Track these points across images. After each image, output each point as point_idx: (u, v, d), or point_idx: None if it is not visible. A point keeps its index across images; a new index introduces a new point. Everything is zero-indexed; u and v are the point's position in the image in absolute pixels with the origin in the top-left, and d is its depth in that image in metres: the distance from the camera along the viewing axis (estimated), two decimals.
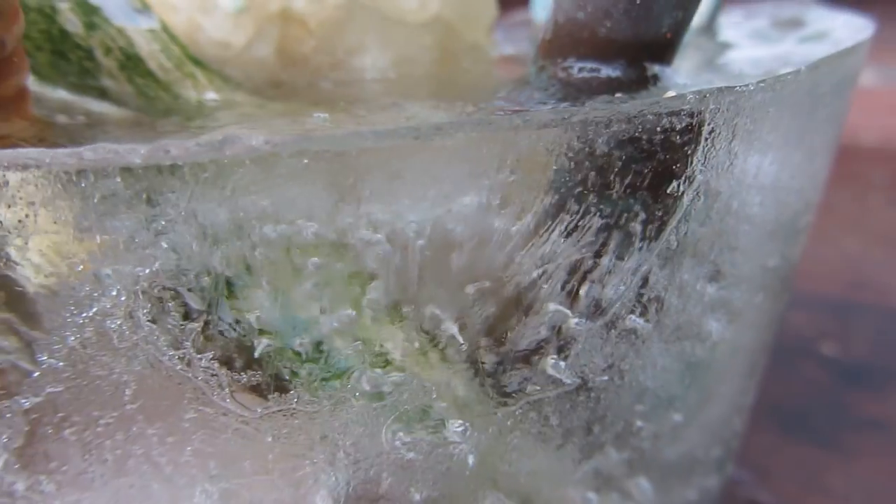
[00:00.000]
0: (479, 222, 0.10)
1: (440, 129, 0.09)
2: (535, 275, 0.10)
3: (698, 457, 0.14)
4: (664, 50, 0.11)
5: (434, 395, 0.10)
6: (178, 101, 0.12)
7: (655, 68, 0.11)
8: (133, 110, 0.11)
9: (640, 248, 0.10)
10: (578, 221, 0.10)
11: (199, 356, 0.09)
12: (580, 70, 0.11)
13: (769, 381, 0.27)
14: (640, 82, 0.11)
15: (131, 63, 0.12)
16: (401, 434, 0.10)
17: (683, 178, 0.10)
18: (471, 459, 0.11)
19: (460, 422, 0.11)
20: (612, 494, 0.13)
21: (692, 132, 0.10)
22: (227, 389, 0.10)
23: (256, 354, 0.09)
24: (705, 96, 0.10)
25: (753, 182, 0.11)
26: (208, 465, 0.10)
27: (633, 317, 0.11)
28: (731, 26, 0.18)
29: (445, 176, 0.09)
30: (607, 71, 0.11)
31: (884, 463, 0.24)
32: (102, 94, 0.11)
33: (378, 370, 0.10)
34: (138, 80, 0.12)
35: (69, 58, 0.11)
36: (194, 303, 0.09)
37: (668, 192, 0.10)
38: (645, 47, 0.11)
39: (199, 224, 0.09)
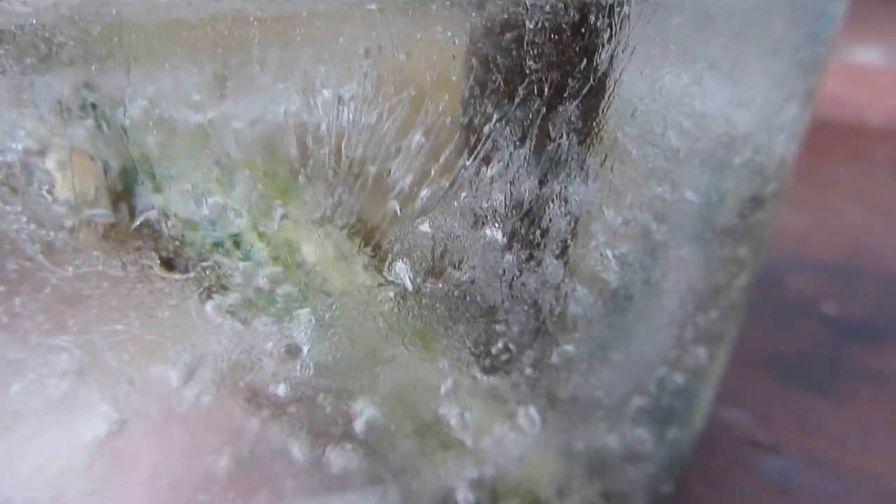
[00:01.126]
0: (342, 114, 0.10)
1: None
2: (413, 175, 0.10)
3: (604, 400, 0.14)
4: None
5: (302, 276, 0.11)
6: None
7: None
8: None
9: (525, 156, 0.10)
10: (464, 119, 0.10)
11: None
12: None
13: (769, 334, 0.28)
14: None
15: None
16: (265, 320, 0.11)
17: (589, 77, 0.10)
18: (338, 359, 0.11)
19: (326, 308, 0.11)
20: (493, 417, 0.13)
21: (600, 29, 0.09)
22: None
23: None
24: None
25: (673, 98, 0.11)
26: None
27: (499, 226, 0.11)
28: None
29: (311, 61, 0.09)
30: None
31: (878, 410, 0.25)
32: None
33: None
34: None
35: None
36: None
37: (568, 93, 0.10)
38: None
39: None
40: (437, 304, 0.11)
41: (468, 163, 0.10)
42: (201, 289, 0.11)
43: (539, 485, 0.14)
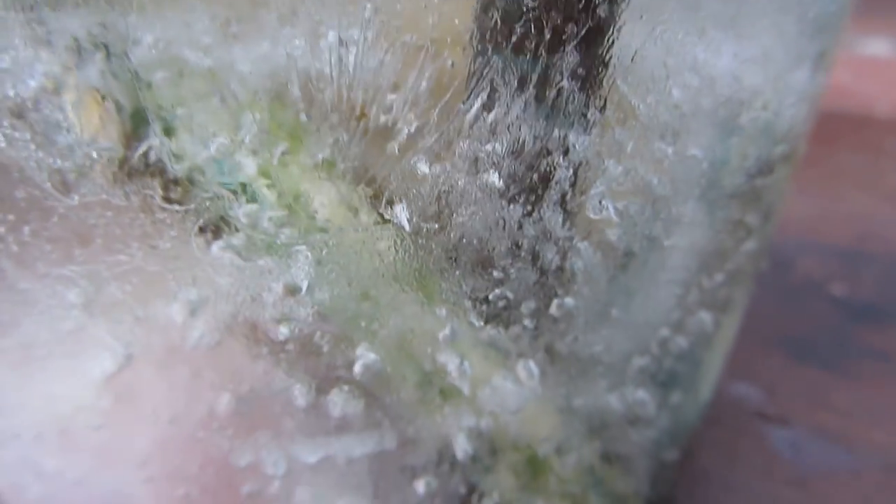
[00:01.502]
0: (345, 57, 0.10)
1: None
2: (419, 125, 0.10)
3: (604, 358, 0.14)
4: None
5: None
6: None
7: None
8: None
9: (525, 101, 0.10)
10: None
11: None
12: None
13: (778, 314, 0.29)
14: None
15: None
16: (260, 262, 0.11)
17: (588, 19, 0.10)
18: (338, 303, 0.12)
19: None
20: (491, 367, 0.13)
21: None
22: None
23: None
24: None
25: (674, 46, 0.11)
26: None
27: (496, 170, 0.11)
28: None
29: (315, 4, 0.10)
30: None
31: (884, 386, 0.25)
32: None
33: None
34: None
35: None
36: None
37: (567, 35, 0.10)
38: None
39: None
40: (434, 247, 0.11)
41: (468, 106, 0.10)
42: (204, 225, 0.11)
43: (538, 441, 0.14)
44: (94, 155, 0.10)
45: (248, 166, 0.11)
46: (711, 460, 0.22)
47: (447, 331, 0.12)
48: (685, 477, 0.21)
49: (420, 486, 0.14)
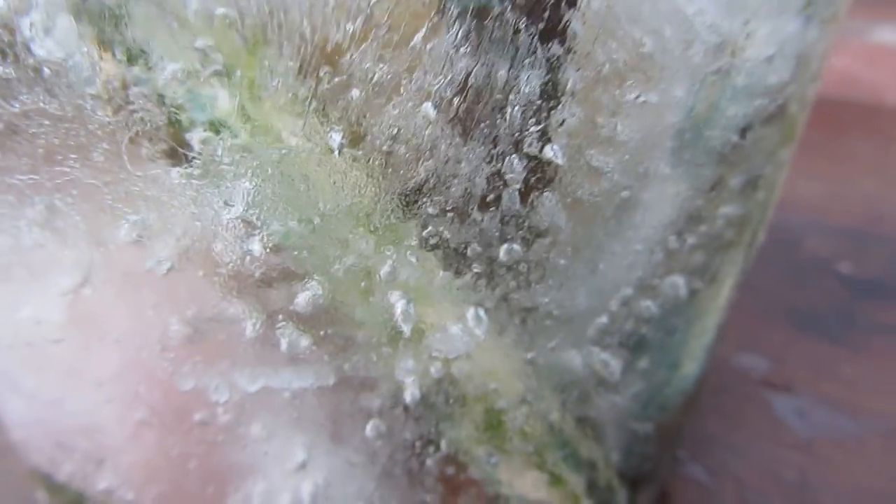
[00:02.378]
0: None
1: None
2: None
3: (557, 311, 0.14)
4: None
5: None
6: None
7: None
8: None
9: (465, 30, 0.10)
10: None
11: None
12: None
13: (785, 289, 0.29)
14: None
15: None
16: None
17: None
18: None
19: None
20: (440, 312, 0.13)
21: None
22: None
23: None
24: None
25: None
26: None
27: (433, 100, 0.11)
28: None
29: None
30: None
31: (891, 359, 0.26)
32: None
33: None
34: None
35: None
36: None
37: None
38: None
39: None
40: (382, 180, 0.11)
41: (408, 35, 0.10)
42: (136, 135, 0.11)
43: (492, 392, 0.14)
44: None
45: (199, 86, 0.11)
46: (718, 425, 0.23)
47: (391, 269, 0.12)
48: (692, 440, 0.22)
49: (371, 428, 0.14)
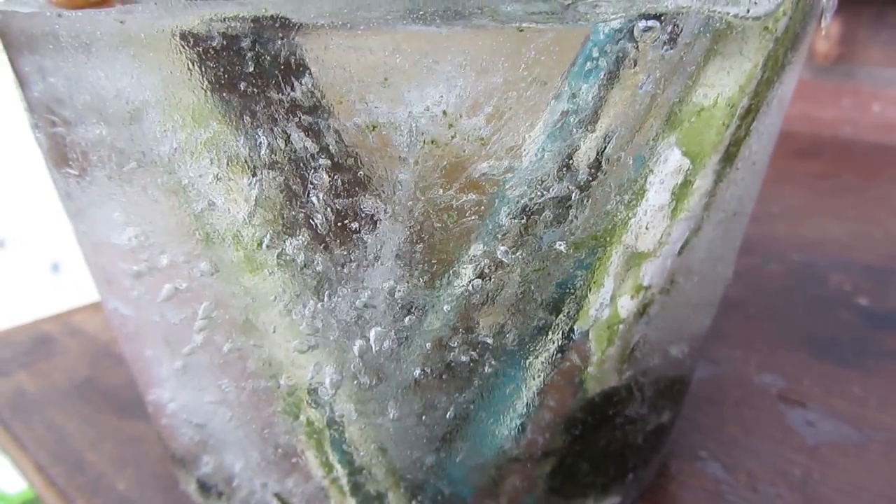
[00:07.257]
0: None
1: None
2: None
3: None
4: None
5: None
6: None
7: None
8: None
9: None
10: None
11: None
12: None
13: (806, 319, 0.33)
14: None
15: None
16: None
17: None
18: None
19: None
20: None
21: None
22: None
23: None
24: None
25: None
26: None
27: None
28: None
29: None
30: None
31: None
32: None
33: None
34: None
35: None
36: None
37: None
38: None
39: None
40: None
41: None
42: None
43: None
44: None
45: None
46: (736, 431, 0.26)
47: None
48: (713, 443, 0.26)
49: None
